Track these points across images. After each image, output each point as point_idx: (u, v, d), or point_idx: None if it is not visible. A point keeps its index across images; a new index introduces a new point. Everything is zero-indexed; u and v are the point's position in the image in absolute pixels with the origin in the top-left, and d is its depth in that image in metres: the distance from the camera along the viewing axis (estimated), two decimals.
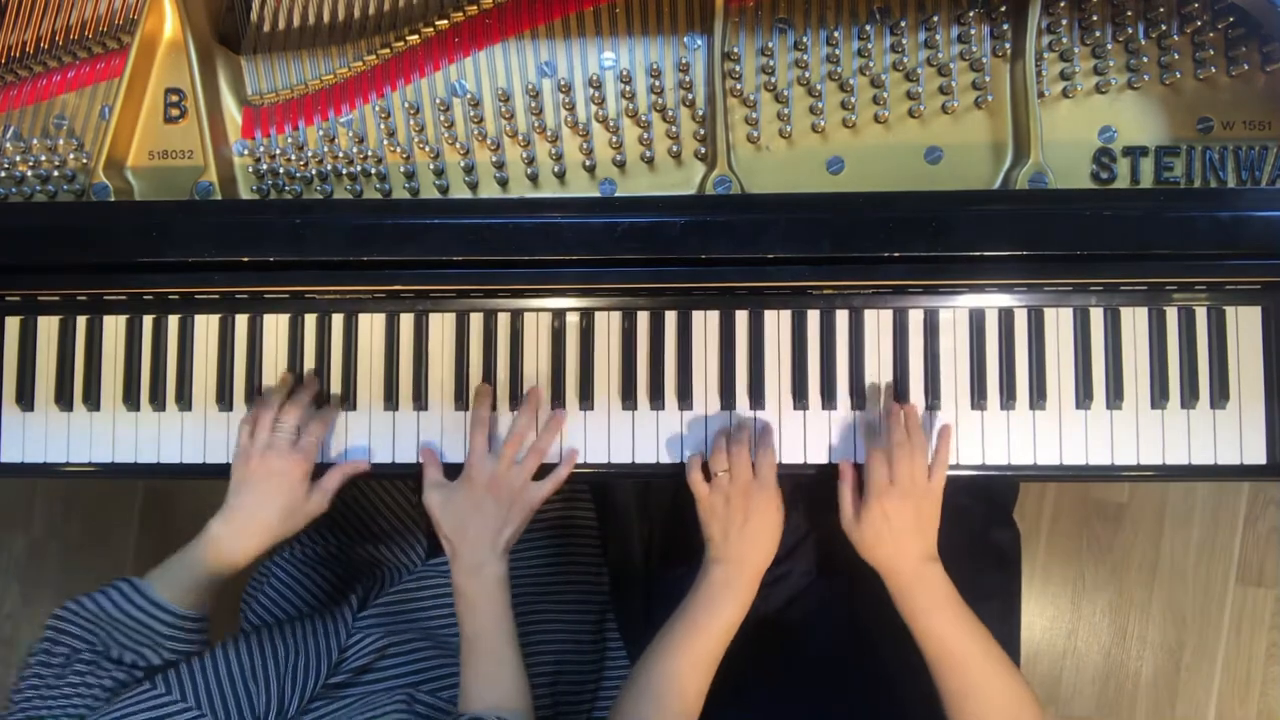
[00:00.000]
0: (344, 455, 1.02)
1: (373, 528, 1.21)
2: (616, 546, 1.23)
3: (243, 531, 0.95)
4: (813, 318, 1.01)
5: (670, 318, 1.01)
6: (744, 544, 0.92)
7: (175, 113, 1.03)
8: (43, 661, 0.89)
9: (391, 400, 1.02)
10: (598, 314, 1.02)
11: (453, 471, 0.98)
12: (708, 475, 0.95)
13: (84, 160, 1.02)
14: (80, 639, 0.91)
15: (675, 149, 1.00)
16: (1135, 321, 0.99)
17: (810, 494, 1.15)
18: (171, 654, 0.94)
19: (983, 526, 1.16)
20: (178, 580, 0.94)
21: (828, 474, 0.99)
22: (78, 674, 0.88)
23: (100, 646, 0.91)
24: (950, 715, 0.89)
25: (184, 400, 1.03)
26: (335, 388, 1.03)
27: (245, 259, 0.92)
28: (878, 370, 1.00)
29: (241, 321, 1.04)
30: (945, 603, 0.90)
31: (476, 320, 1.03)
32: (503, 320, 1.02)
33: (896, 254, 0.90)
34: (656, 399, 1.01)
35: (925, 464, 0.92)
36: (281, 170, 1.02)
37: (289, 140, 1.02)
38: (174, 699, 0.88)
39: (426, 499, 0.96)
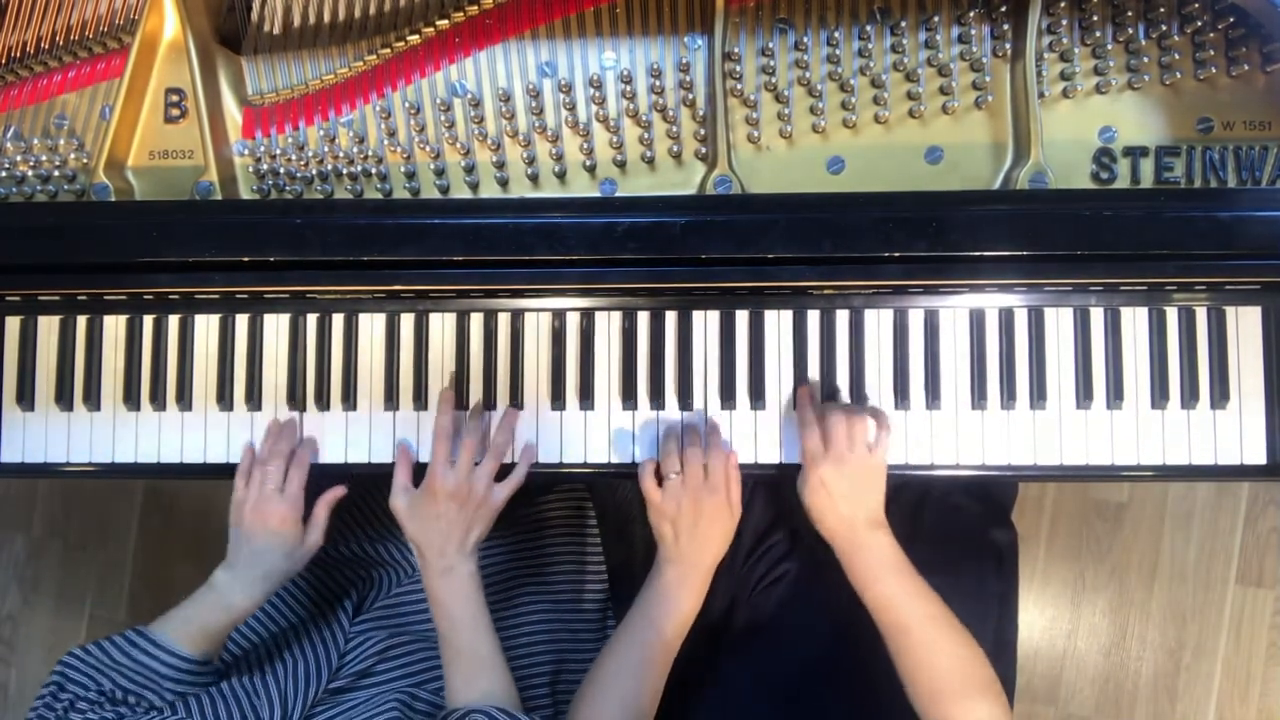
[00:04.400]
0: (345, 454, 1.02)
1: (366, 529, 1.22)
2: (617, 546, 1.23)
3: (247, 578, 0.97)
4: (813, 318, 1.01)
5: (670, 318, 1.01)
6: (694, 545, 0.93)
7: (176, 113, 1.03)
8: (47, 704, 0.90)
9: (392, 400, 1.02)
10: (598, 314, 1.02)
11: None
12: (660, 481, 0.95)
13: (84, 160, 1.02)
14: (83, 685, 0.91)
15: (676, 149, 1.00)
16: (1135, 321, 0.99)
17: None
18: (174, 696, 0.94)
19: (981, 527, 1.16)
20: (185, 628, 0.95)
21: None
22: (79, 712, 0.89)
23: (106, 689, 0.91)
24: (905, 684, 0.89)
25: (184, 400, 1.03)
26: (336, 388, 1.03)
27: (245, 259, 0.92)
28: (877, 370, 1.00)
29: (242, 321, 1.04)
30: (892, 569, 0.90)
31: (477, 320, 1.03)
32: (503, 320, 1.02)
33: (896, 254, 0.90)
34: (657, 399, 1.01)
35: (863, 432, 0.92)
36: (282, 170, 1.02)
37: (289, 140, 1.02)
38: (180, 718, 0.88)
39: (393, 503, 0.96)
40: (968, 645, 0.88)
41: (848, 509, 0.90)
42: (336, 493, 1.01)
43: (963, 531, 1.14)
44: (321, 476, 1.02)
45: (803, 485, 0.92)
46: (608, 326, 1.02)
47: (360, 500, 1.23)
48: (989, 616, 1.12)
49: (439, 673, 1.02)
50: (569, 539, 1.21)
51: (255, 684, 0.96)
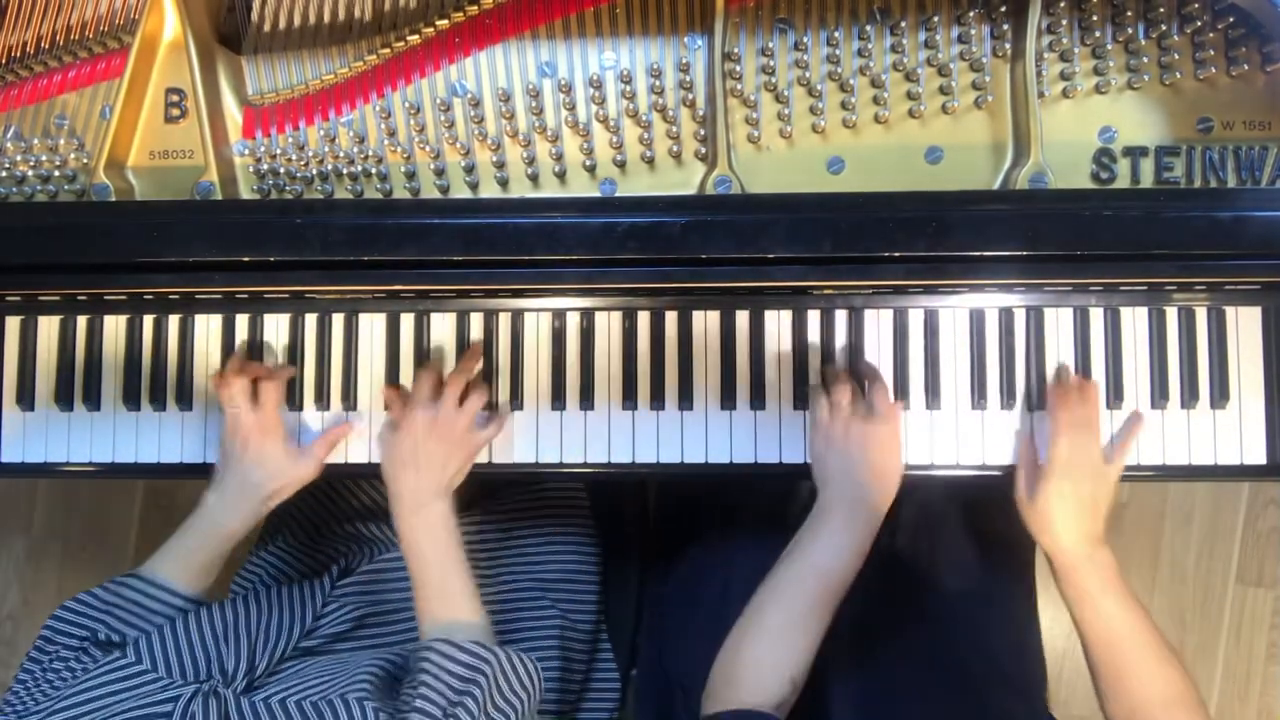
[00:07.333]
0: (345, 454, 1.02)
1: (354, 504, 1.22)
2: (611, 549, 1.23)
3: (234, 498, 0.97)
4: (813, 318, 1.01)
5: (671, 318, 1.01)
6: (861, 475, 0.91)
7: (176, 113, 1.03)
8: (34, 659, 0.91)
9: None
10: (598, 314, 1.02)
11: None
12: None
13: (85, 160, 1.02)
14: (70, 634, 0.91)
15: (675, 149, 1.00)
16: (1135, 321, 0.99)
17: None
18: (155, 628, 0.94)
19: (995, 526, 1.15)
20: (182, 563, 0.96)
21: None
22: (61, 660, 0.89)
23: (89, 635, 0.91)
24: (1103, 697, 0.89)
25: (184, 400, 1.03)
26: (335, 388, 1.03)
27: (246, 259, 0.92)
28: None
29: (242, 321, 1.04)
30: (1116, 586, 0.90)
31: (477, 320, 1.03)
32: (503, 320, 1.03)
33: (896, 254, 0.90)
34: (657, 399, 1.01)
35: (1101, 446, 0.92)
36: (282, 170, 1.02)
37: (289, 140, 1.02)
38: (141, 667, 0.87)
39: (380, 435, 0.97)
40: (1179, 669, 0.88)
41: (1077, 524, 0.90)
42: (343, 430, 1.01)
43: (973, 530, 1.14)
44: (323, 476, 1.01)
45: (1034, 493, 0.91)
46: (608, 326, 1.02)
47: (350, 489, 1.24)
48: (1005, 618, 1.12)
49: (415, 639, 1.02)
50: (565, 518, 1.21)
51: (225, 633, 0.94)
